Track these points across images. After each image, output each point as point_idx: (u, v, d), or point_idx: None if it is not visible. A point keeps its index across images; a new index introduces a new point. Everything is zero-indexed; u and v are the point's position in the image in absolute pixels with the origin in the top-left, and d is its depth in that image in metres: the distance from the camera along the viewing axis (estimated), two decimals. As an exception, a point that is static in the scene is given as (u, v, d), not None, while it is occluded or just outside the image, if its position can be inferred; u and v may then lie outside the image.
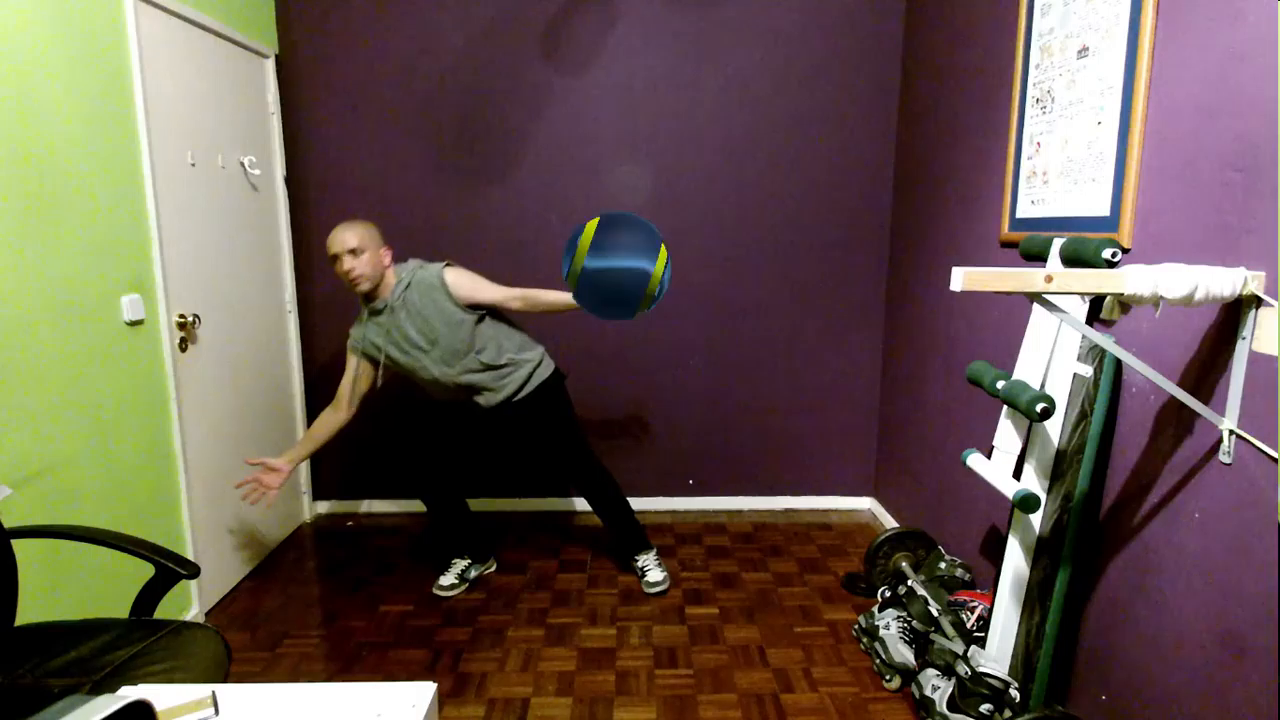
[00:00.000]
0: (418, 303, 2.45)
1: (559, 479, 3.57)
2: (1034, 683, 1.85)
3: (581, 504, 3.58)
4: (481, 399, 2.61)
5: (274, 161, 3.17)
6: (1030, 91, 2.16)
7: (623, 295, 2.13)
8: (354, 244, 2.36)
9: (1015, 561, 1.92)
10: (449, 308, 2.46)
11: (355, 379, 2.57)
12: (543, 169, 3.28)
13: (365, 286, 2.42)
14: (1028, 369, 1.85)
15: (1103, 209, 1.83)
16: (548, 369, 2.68)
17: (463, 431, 2.73)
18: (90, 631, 1.56)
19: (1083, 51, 1.90)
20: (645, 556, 2.87)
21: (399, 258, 3.32)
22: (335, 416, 2.58)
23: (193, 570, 1.64)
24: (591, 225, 2.15)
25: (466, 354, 2.51)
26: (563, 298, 2.47)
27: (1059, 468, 1.82)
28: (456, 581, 2.80)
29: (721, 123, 3.28)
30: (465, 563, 2.87)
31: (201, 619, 2.60)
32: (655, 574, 2.80)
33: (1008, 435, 1.87)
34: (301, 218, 3.30)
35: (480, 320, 2.52)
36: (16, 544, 1.70)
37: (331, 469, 3.51)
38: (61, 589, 1.96)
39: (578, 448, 2.72)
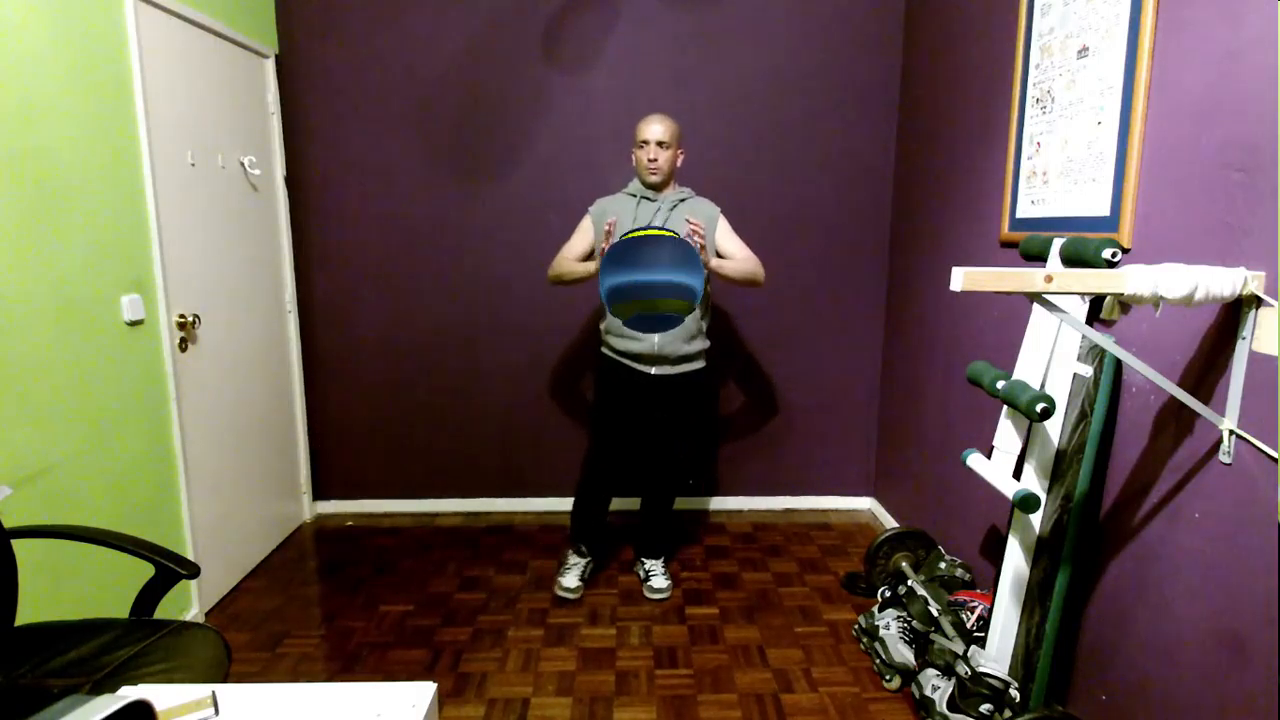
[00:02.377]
0: (686, 218, 2.52)
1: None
2: (1034, 683, 1.85)
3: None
4: (660, 346, 2.55)
5: (274, 161, 3.17)
6: (1030, 91, 2.16)
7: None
8: (665, 138, 2.50)
9: (1015, 561, 1.92)
10: (707, 244, 2.55)
11: (589, 248, 2.63)
12: (542, 169, 3.28)
13: (657, 179, 2.54)
14: (1028, 369, 1.85)
15: (1103, 209, 1.83)
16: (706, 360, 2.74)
17: (628, 415, 2.67)
18: (90, 631, 1.56)
19: (1083, 51, 1.90)
20: (656, 562, 2.87)
21: (400, 255, 3.33)
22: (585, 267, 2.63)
23: (193, 570, 1.64)
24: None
25: None
26: (747, 271, 2.56)
27: (1059, 468, 1.82)
28: (580, 584, 2.77)
29: (721, 123, 3.28)
30: (586, 560, 2.83)
31: (201, 619, 2.60)
32: (660, 580, 2.79)
33: (1008, 435, 1.87)
34: (301, 218, 3.30)
35: (708, 279, 2.60)
36: (16, 544, 1.70)
37: (331, 469, 3.51)
38: (61, 589, 1.96)
39: (694, 440, 2.72)
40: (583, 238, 2.64)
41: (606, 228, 2.40)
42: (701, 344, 2.65)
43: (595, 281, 2.71)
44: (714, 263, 2.49)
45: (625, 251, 2.24)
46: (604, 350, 2.68)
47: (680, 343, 2.57)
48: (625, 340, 2.58)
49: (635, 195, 2.59)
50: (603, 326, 2.66)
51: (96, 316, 2.10)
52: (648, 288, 2.22)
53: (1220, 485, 1.47)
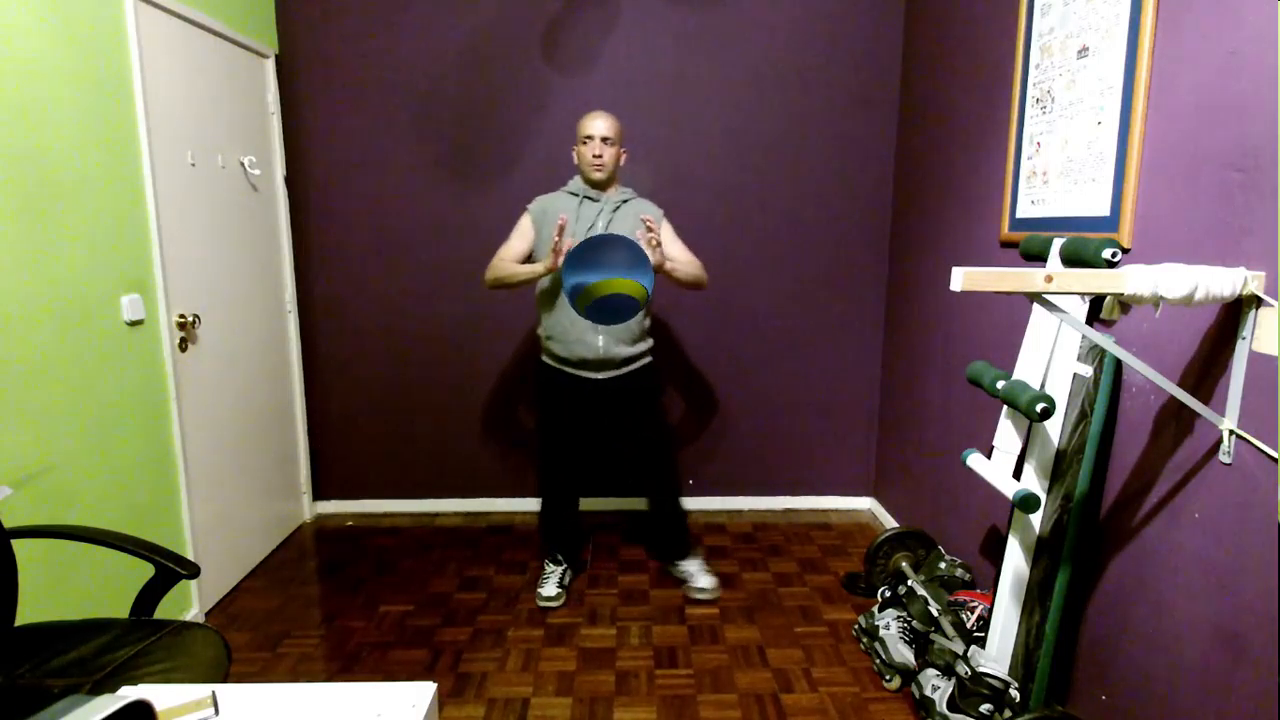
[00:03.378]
0: (631, 217, 2.53)
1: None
2: (1034, 683, 1.85)
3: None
4: (604, 349, 2.52)
5: (274, 161, 3.17)
6: (1030, 91, 2.16)
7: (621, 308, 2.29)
8: (610, 134, 2.48)
9: (1015, 561, 1.92)
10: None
11: (527, 249, 2.56)
12: (542, 169, 3.28)
13: (600, 176, 2.50)
14: (1028, 369, 1.85)
15: (1103, 209, 1.83)
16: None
17: (577, 422, 2.66)
18: (90, 631, 1.56)
19: (1083, 51, 1.90)
20: (693, 561, 2.84)
21: (401, 256, 3.33)
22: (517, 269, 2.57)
23: (193, 570, 1.64)
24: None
25: None
26: (693, 274, 2.57)
27: (1059, 468, 1.82)
28: (560, 590, 2.73)
29: (721, 123, 3.28)
30: (562, 568, 2.81)
31: (201, 619, 2.60)
32: (705, 579, 2.77)
33: (1008, 435, 1.87)
34: (301, 218, 3.30)
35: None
36: (16, 544, 1.70)
37: (331, 469, 3.51)
38: (61, 589, 1.96)
39: (667, 436, 2.72)
40: (522, 239, 2.56)
41: (560, 222, 2.35)
42: (645, 345, 2.63)
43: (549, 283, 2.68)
44: (667, 265, 2.47)
45: (585, 252, 2.25)
46: (545, 359, 2.64)
47: (624, 346, 2.55)
48: (570, 345, 2.53)
49: (577, 194, 2.54)
50: (541, 332, 2.62)
51: (96, 316, 2.10)
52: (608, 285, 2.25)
53: (1220, 485, 1.47)
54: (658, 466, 2.75)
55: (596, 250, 2.25)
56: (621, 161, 2.57)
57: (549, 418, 2.67)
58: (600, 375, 2.58)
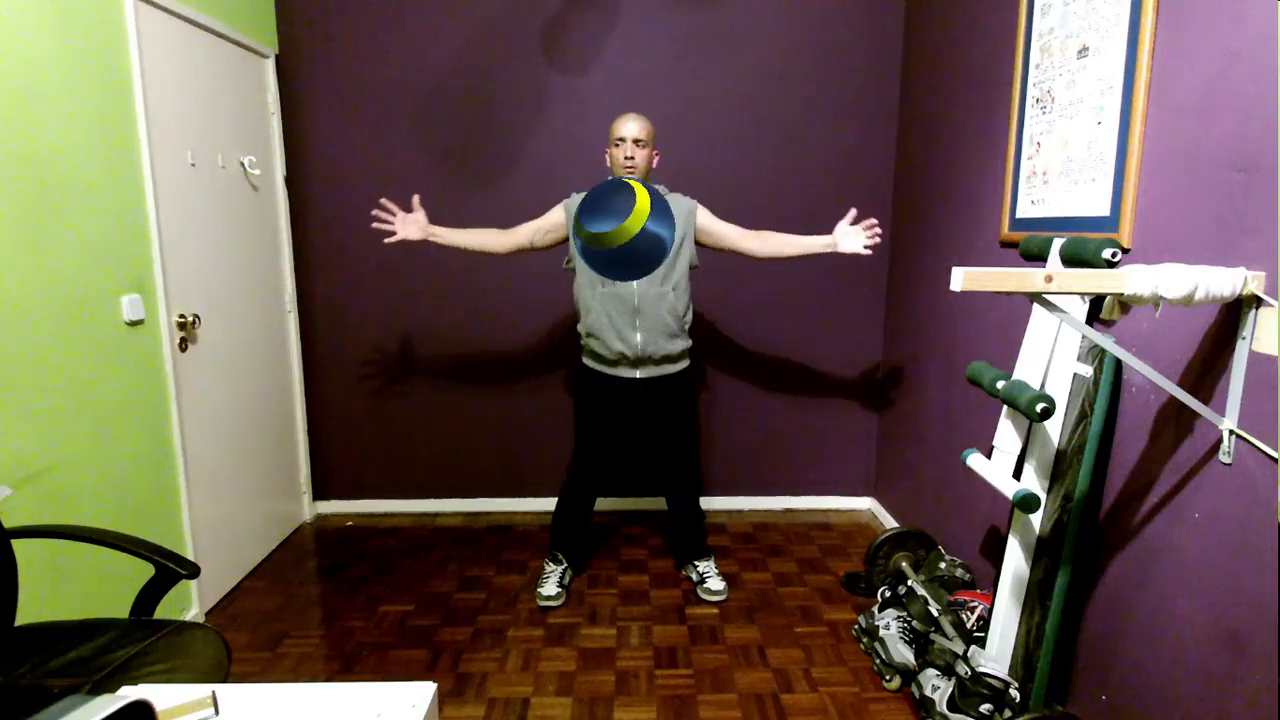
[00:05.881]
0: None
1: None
2: (1034, 683, 1.85)
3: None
4: (642, 345, 2.51)
5: (274, 161, 3.17)
6: (1030, 91, 2.16)
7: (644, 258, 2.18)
8: (642, 136, 2.47)
9: (1015, 561, 1.92)
10: (686, 236, 2.53)
11: (539, 229, 2.60)
12: (542, 169, 3.28)
13: (634, 178, 2.45)
14: (1028, 369, 1.85)
15: (1103, 209, 1.83)
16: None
17: (614, 425, 2.65)
18: (90, 631, 1.56)
19: (1083, 51, 1.90)
20: (707, 563, 2.84)
21: (400, 255, 3.33)
22: (498, 239, 2.61)
23: (193, 570, 1.64)
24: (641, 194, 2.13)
25: (669, 286, 2.51)
26: (805, 242, 2.50)
27: (1059, 468, 1.82)
28: (560, 590, 2.74)
29: (721, 123, 3.28)
30: (562, 568, 2.81)
31: (201, 619, 2.60)
32: (717, 583, 2.76)
33: (1008, 435, 1.87)
34: (301, 218, 3.30)
35: (688, 275, 2.59)
36: (16, 544, 1.70)
37: (331, 469, 3.51)
38: (61, 589, 1.96)
39: (695, 439, 2.73)
40: (545, 219, 2.60)
41: None
42: (684, 342, 2.61)
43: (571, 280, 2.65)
44: (779, 250, 2.49)
45: (600, 199, 2.14)
46: (585, 361, 2.65)
47: (664, 340, 2.53)
48: (608, 342, 2.52)
49: None
50: (581, 330, 2.61)
51: (96, 316, 2.10)
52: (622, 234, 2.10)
53: (1220, 485, 1.47)
54: (683, 468, 2.74)
55: (612, 198, 2.12)
56: (655, 163, 2.56)
57: (586, 420, 2.67)
58: (638, 373, 2.57)
